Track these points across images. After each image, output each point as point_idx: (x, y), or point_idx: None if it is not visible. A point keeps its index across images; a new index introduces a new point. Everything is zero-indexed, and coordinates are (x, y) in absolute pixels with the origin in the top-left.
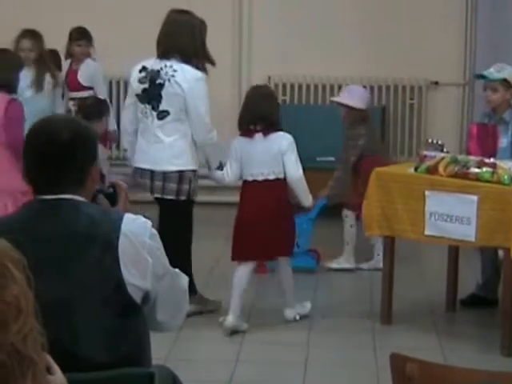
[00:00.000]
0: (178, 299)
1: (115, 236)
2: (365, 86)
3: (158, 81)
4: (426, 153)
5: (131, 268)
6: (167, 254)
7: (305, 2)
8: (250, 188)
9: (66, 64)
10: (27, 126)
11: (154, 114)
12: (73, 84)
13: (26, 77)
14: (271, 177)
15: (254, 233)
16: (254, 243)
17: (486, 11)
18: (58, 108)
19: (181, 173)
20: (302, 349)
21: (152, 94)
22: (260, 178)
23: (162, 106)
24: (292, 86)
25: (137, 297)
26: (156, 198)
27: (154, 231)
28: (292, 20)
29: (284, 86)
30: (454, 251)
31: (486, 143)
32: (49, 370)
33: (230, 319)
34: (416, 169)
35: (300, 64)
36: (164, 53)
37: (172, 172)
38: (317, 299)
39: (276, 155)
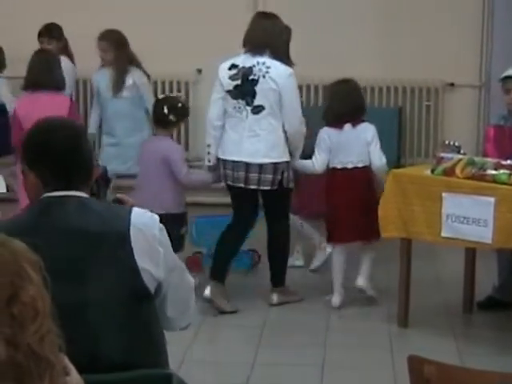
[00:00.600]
0: (187, 295)
1: (126, 229)
2: (381, 88)
3: (251, 77)
4: (442, 154)
5: (144, 256)
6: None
7: (320, 2)
8: (339, 175)
9: None
10: (107, 127)
11: (249, 108)
12: None
13: (105, 78)
14: (360, 164)
15: (347, 216)
16: (349, 226)
17: (503, 13)
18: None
19: (276, 164)
20: (318, 351)
21: (245, 89)
22: (350, 166)
23: (257, 101)
24: (308, 87)
25: (151, 286)
26: (239, 188)
27: (162, 226)
28: (306, 20)
29: (300, 87)
30: (471, 253)
31: (502, 145)
32: (65, 372)
33: (336, 298)
34: (433, 171)
35: (314, 65)
36: (256, 50)
37: (267, 164)
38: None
39: (363, 144)
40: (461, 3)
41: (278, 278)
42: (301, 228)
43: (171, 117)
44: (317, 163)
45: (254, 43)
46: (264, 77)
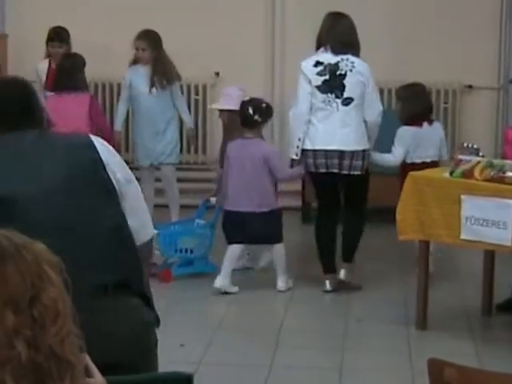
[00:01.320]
0: (145, 209)
1: (90, 140)
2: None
3: (339, 72)
4: (461, 157)
5: (108, 156)
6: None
7: (336, 3)
8: (418, 169)
9: (44, 64)
10: (141, 123)
11: (339, 101)
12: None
13: (139, 75)
14: (436, 158)
15: None
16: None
17: None
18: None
19: (364, 151)
20: (336, 354)
21: (334, 83)
22: (428, 160)
23: (346, 94)
24: None
25: (114, 182)
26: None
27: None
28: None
29: None
30: (490, 255)
31: None
32: (87, 373)
33: None
34: (451, 173)
35: None
36: (340, 49)
37: (359, 151)
38: (351, 303)
39: (438, 140)
40: (478, 5)
41: (350, 253)
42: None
43: (257, 117)
44: (398, 156)
45: (339, 42)
46: (351, 71)
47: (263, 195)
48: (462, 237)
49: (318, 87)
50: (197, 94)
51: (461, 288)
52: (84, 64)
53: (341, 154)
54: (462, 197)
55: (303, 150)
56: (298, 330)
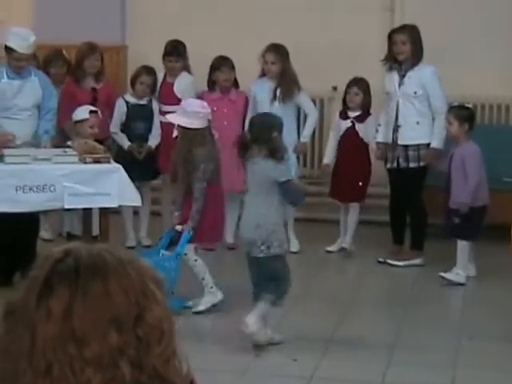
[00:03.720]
0: None
1: None
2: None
3: None
4: None
5: None
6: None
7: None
8: None
9: (159, 77)
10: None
11: None
12: (166, 97)
13: (266, 88)
14: None
15: None
16: None
17: None
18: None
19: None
20: (448, 371)
21: None
22: None
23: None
24: None
25: None
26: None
27: None
28: (436, 23)
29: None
30: None
31: None
32: None
33: None
34: None
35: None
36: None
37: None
38: (463, 319)
39: None
40: None
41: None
42: (193, 263)
43: None
44: None
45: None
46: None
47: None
48: None
49: None
50: None
51: None
52: None
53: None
54: None
55: None
56: (410, 347)
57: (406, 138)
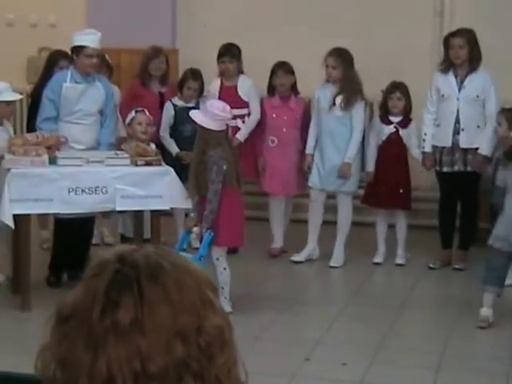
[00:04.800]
0: None
1: None
2: None
3: None
4: None
5: None
6: None
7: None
8: None
9: (215, 83)
10: (323, 143)
11: None
12: (229, 100)
13: (327, 94)
14: None
15: None
16: None
17: None
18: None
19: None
20: (499, 379)
21: None
22: None
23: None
24: None
25: None
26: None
27: None
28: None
29: None
30: None
31: None
32: None
33: None
34: None
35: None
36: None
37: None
38: None
39: None
40: None
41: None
42: (222, 270)
43: None
44: None
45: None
46: None
47: None
48: None
49: None
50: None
51: None
52: None
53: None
54: None
55: None
56: (461, 353)
57: (468, 141)
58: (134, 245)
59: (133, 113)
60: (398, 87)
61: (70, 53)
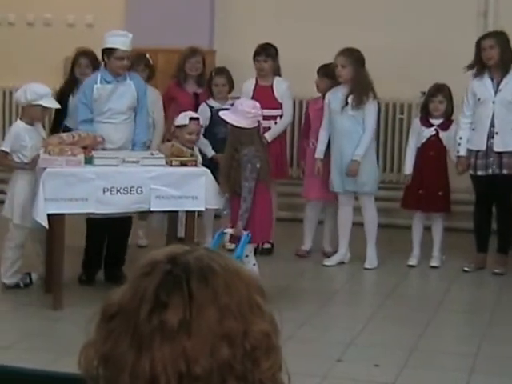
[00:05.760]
0: None
1: None
2: None
3: None
4: None
5: None
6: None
7: None
8: None
9: (250, 83)
10: (335, 145)
11: None
12: (264, 101)
13: (339, 94)
14: None
15: None
16: None
17: None
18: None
19: None
20: None
21: None
22: None
23: None
24: None
25: None
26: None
27: None
28: None
29: None
30: None
31: None
32: None
33: None
34: None
35: None
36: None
37: None
38: None
39: None
40: None
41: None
42: (252, 267)
43: None
44: None
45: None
46: None
47: None
48: None
49: None
50: (402, 113)
51: None
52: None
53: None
54: None
55: None
56: (494, 356)
57: (502, 144)
58: (186, 246)
59: (186, 119)
60: (440, 90)
61: (101, 54)
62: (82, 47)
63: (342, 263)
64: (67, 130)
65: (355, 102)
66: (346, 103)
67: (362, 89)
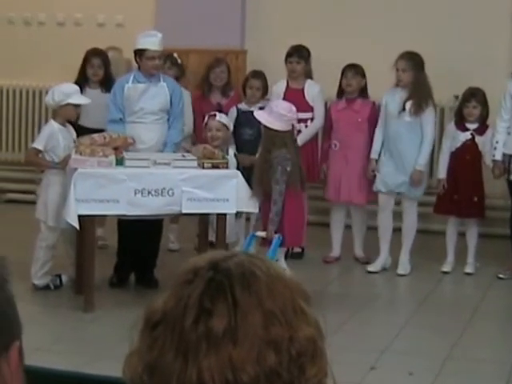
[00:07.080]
0: None
1: None
2: None
3: None
4: None
5: None
6: None
7: None
8: None
9: (281, 85)
10: (387, 149)
11: None
12: (294, 103)
13: (396, 98)
14: None
15: None
16: None
17: None
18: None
19: None
20: None
21: None
22: None
23: None
24: None
25: None
26: None
27: None
28: None
29: None
30: None
31: None
32: None
33: None
34: None
35: None
36: None
37: None
38: None
39: None
40: None
41: None
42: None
43: None
44: None
45: None
46: None
47: None
48: None
49: None
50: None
51: None
52: None
53: None
54: None
55: None
56: None
57: None
58: (226, 251)
59: (206, 118)
60: (474, 95)
61: (133, 56)
62: (93, 47)
63: (384, 269)
64: (81, 129)
65: (413, 108)
66: (404, 108)
67: (421, 95)
